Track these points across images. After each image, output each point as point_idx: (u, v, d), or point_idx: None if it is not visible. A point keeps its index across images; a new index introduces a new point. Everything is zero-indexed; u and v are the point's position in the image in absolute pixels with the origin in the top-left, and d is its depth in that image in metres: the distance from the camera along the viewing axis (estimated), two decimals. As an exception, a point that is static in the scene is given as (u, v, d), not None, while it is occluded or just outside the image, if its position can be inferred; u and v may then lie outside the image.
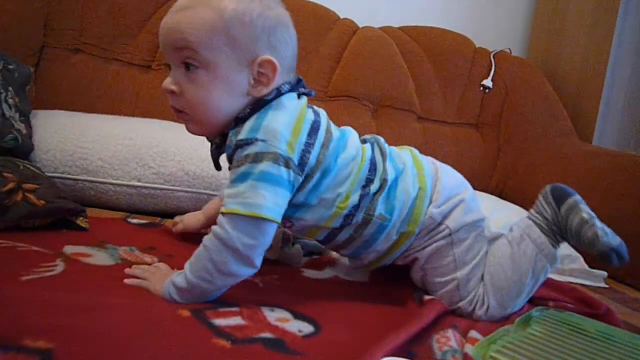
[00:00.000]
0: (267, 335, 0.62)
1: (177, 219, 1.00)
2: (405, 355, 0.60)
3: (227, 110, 0.72)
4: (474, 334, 0.73)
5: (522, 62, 1.87)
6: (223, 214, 0.68)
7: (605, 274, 1.19)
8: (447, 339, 0.69)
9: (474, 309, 0.81)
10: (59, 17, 1.45)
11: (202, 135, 0.79)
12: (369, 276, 0.93)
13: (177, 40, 0.70)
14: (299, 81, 0.78)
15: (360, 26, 1.76)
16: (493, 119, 1.78)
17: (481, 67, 1.80)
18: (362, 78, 1.66)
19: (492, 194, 1.61)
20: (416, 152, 0.87)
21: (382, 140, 0.85)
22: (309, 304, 0.74)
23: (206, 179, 1.17)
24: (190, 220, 0.97)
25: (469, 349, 0.66)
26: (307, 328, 0.67)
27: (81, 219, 0.93)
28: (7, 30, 1.35)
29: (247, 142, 0.69)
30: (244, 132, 0.70)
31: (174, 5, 0.72)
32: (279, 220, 0.70)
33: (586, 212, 0.79)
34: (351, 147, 0.79)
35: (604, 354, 0.71)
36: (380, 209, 0.77)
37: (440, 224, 0.80)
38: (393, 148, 0.86)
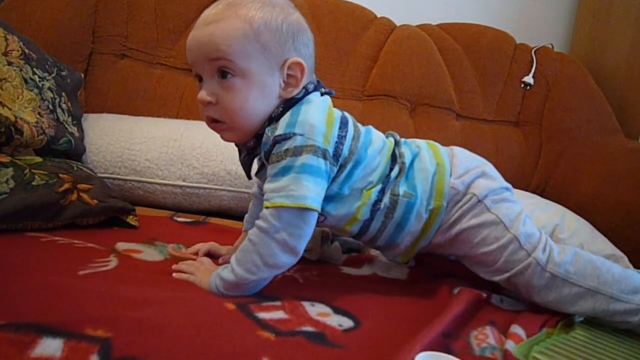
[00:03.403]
0: (308, 328, 0.64)
1: (212, 248, 0.92)
2: (443, 350, 0.61)
3: (262, 112, 0.76)
4: (516, 328, 0.72)
5: (564, 57, 1.82)
6: (267, 207, 0.71)
7: (652, 273, 1.16)
8: (485, 336, 0.70)
9: (550, 255, 0.78)
10: (105, 24, 1.52)
11: (237, 142, 0.82)
12: (407, 274, 0.94)
13: (210, 51, 0.72)
14: (319, 82, 0.81)
15: (398, 24, 1.76)
16: (534, 116, 1.74)
17: (522, 63, 1.77)
18: (399, 76, 1.66)
19: (533, 192, 1.59)
20: (430, 141, 0.89)
21: (396, 134, 0.88)
22: (348, 300, 0.76)
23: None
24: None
25: (510, 345, 0.66)
26: (346, 322, 0.69)
27: (131, 217, 0.98)
28: (60, 39, 1.43)
29: (286, 137, 0.72)
30: (281, 128, 0.73)
31: (199, 19, 0.75)
32: (320, 209, 0.73)
33: None
34: (377, 140, 0.83)
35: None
36: (403, 187, 0.80)
37: (464, 193, 0.81)
38: (408, 139, 0.89)
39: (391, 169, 0.81)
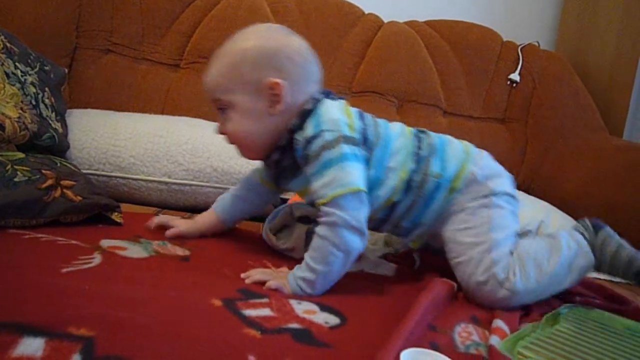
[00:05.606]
0: (294, 325, 0.64)
1: (164, 220, 0.96)
2: (428, 344, 0.61)
3: (261, 131, 0.83)
4: (499, 323, 0.73)
5: (550, 55, 1.84)
6: (324, 203, 0.77)
7: (634, 269, 1.17)
8: (469, 334, 0.70)
9: (508, 276, 0.80)
10: (90, 18, 1.50)
11: (258, 159, 0.90)
12: (395, 270, 0.95)
13: (207, 92, 0.84)
14: (329, 92, 0.88)
15: (385, 21, 1.76)
16: (520, 113, 1.76)
17: (508, 60, 1.78)
18: (386, 73, 1.66)
19: (518, 189, 1.58)
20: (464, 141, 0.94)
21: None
22: (335, 297, 0.76)
23: (233, 174, 1.20)
24: (188, 227, 0.94)
25: (495, 340, 0.67)
26: (333, 319, 0.68)
27: (115, 214, 0.97)
28: (42, 33, 1.41)
29: (316, 136, 0.79)
30: (309, 130, 0.80)
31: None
32: (366, 189, 0.79)
33: (621, 239, 0.86)
34: (394, 125, 0.90)
35: (633, 351, 0.71)
36: (434, 168, 0.86)
37: (481, 183, 0.86)
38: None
39: (418, 148, 0.86)
